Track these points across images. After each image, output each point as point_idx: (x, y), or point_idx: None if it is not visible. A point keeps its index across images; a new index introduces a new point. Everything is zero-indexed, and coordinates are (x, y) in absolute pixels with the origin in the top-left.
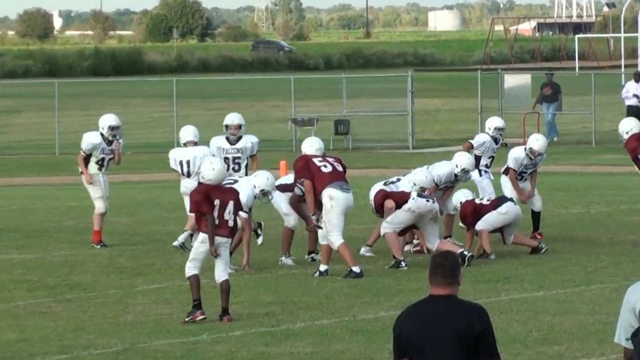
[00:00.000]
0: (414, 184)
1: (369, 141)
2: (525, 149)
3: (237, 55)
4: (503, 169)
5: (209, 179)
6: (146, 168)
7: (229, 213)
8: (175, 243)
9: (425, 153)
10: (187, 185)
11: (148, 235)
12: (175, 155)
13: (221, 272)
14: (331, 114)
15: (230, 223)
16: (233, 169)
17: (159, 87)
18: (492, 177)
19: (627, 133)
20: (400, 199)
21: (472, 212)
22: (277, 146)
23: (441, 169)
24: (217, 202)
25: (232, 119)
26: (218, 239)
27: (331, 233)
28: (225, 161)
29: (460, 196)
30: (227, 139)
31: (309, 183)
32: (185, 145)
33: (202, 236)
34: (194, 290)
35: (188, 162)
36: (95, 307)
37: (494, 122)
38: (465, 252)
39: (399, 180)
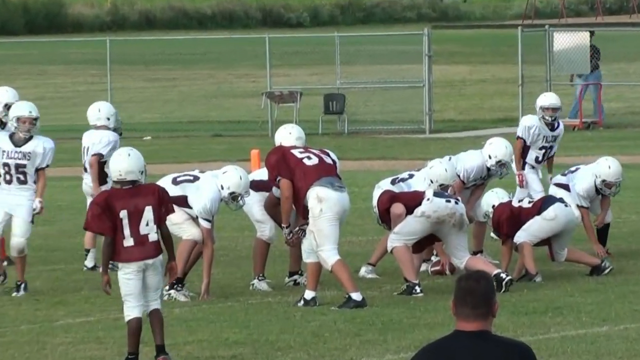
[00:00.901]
0: (431, 182)
1: (371, 123)
2: (595, 178)
3: (193, 7)
4: (553, 178)
5: (115, 170)
6: (70, 160)
7: (148, 224)
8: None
9: (448, 139)
10: (89, 182)
11: (72, 250)
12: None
13: (151, 301)
14: (320, 87)
15: (153, 237)
16: (17, 179)
17: (87, 50)
18: (541, 175)
19: None
20: (412, 200)
21: (509, 219)
22: (248, 130)
23: (469, 161)
24: (123, 213)
25: (28, 109)
26: (137, 265)
27: (322, 247)
28: (4, 168)
29: (492, 198)
30: (12, 136)
31: (287, 183)
32: (97, 128)
33: (121, 264)
34: (131, 339)
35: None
36: (2, 347)
37: (542, 100)
38: (502, 274)
39: (411, 176)
